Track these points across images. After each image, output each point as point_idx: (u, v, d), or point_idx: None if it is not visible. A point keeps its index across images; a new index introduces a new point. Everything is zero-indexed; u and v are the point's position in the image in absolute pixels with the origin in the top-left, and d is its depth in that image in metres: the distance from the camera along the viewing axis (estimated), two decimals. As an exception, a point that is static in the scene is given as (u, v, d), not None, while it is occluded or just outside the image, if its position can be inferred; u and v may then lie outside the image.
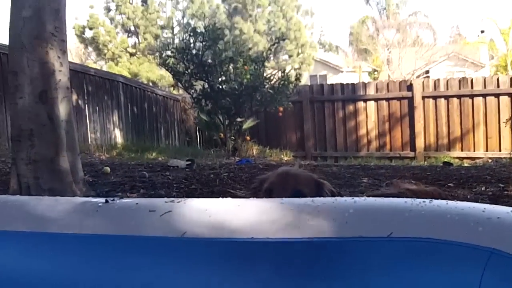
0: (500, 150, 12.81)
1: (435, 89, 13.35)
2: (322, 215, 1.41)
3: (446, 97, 13.22)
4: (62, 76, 4.46)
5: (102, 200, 1.71)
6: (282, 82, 11.49)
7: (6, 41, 4.66)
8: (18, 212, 1.75)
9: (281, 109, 12.07)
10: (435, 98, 13.32)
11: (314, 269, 1.36)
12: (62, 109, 4.49)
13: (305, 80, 29.50)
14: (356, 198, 1.50)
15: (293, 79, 11.88)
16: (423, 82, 13.79)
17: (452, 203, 1.40)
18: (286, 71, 12.15)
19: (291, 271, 1.38)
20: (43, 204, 1.82)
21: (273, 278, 1.40)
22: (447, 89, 13.23)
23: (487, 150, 12.95)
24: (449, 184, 5.61)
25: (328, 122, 14.22)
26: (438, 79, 13.85)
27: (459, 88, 13.11)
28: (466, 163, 11.28)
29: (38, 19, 4.31)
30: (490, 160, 11.86)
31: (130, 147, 11.36)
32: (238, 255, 1.44)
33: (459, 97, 13.10)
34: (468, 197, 4.79)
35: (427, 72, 33.75)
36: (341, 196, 2.24)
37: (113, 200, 1.71)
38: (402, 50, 33.04)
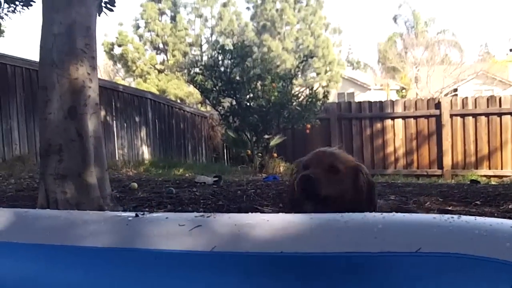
0: (528, 169, 12.64)
1: (463, 107, 13.22)
2: (351, 230, 1.41)
3: (474, 115, 13.08)
4: (91, 92, 4.51)
5: (132, 214, 1.73)
6: (309, 100, 11.47)
7: (36, 58, 4.74)
8: (50, 226, 1.77)
9: (308, 126, 12.05)
10: (463, 116, 13.19)
11: (343, 284, 1.35)
12: (91, 125, 4.53)
13: (332, 98, 29.44)
14: (385, 214, 1.50)
15: (320, 96, 11.84)
16: (451, 100, 13.67)
17: (481, 219, 1.39)
18: (314, 88, 12.12)
19: (321, 285, 1.37)
20: (74, 218, 1.84)
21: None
22: (475, 107, 13.09)
23: (515, 169, 12.80)
24: (476, 202, 5.53)
25: (355, 139, 14.16)
26: (466, 97, 13.71)
27: (487, 107, 12.97)
28: (493, 181, 11.12)
29: (69, 36, 4.38)
30: (517, 178, 11.68)
31: (157, 163, 11.44)
32: (267, 269, 1.44)
33: (487, 115, 12.96)
34: (495, 214, 4.72)
35: (455, 90, 33.48)
36: (374, 184, 2.30)
37: (143, 214, 1.72)
38: (431, 68, 32.86)
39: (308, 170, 2.24)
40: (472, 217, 1.40)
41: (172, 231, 1.58)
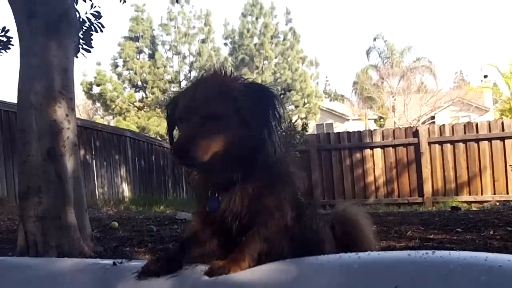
0: (507, 193, 12.75)
1: (440, 134, 13.37)
2: (327, 272, 1.41)
3: (452, 142, 13.23)
4: (70, 133, 4.51)
5: (110, 262, 1.71)
6: (288, 132, 11.53)
7: (14, 100, 4.73)
8: (27, 275, 1.75)
9: (288, 158, 12.05)
10: (441, 143, 13.33)
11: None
12: (70, 166, 4.52)
13: (311, 129, 29.63)
14: (360, 253, 1.50)
15: (299, 128, 11.91)
16: (428, 128, 13.81)
17: (455, 253, 1.40)
18: (293, 121, 12.19)
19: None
20: (51, 266, 1.82)
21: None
22: (453, 134, 13.25)
23: (494, 193, 12.89)
24: (457, 229, 5.57)
25: (335, 170, 14.21)
26: (444, 125, 13.87)
27: (465, 133, 13.13)
28: (474, 207, 11.22)
29: (46, 79, 4.39)
30: (497, 203, 11.78)
31: (138, 201, 11.36)
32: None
33: (464, 141, 13.11)
34: (477, 241, 4.75)
35: (433, 117, 33.94)
36: (274, 100, 1.90)
37: (121, 262, 1.71)
38: (407, 97, 33.29)
39: (181, 130, 1.86)
40: (447, 252, 1.41)
41: (149, 280, 1.57)
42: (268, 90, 1.93)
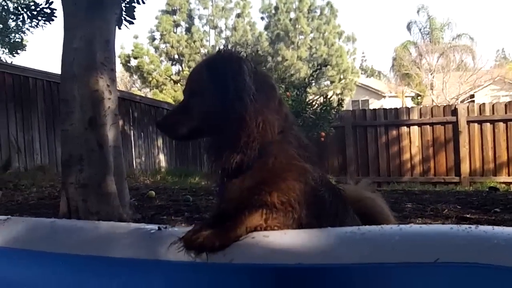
0: (548, 175, 12.49)
1: (480, 113, 13.10)
2: (368, 242, 1.43)
3: (492, 122, 12.96)
4: (110, 104, 4.58)
5: (155, 227, 1.76)
6: (324, 108, 11.44)
7: (56, 70, 4.83)
8: (74, 236, 1.82)
9: (323, 134, 11.99)
10: (480, 122, 13.07)
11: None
12: (111, 135, 4.60)
13: (347, 106, 29.41)
14: (402, 226, 1.51)
15: (335, 104, 11.81)
16: (467, 107, 13.55)
17: (499, 229, 1.40)
18: (328, 96, 12.10)
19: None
20: (98, 229, 1.88)
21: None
22: (493, 113, 12.96)
23: (535, 175, 12.65)
24: (495, 209, 5.49)
25: (370, 147, 14.12)
26: (484, 104, 13.58)
27: (506, 112, 12.84)
28: (513, 189, 11.03)
29: (89, 50, 4.46)
30: (538, 185, 11.55)
31: (174, 172, 11.50)
32: (286, 280, 1.46)
33: (505, 121, 12.83)
34: (516, 222, 4.70)
35: (472, 96, 33.29)
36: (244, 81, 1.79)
37: (165, 227, 1.75)
38: (446, 75, 32.69)
39: None
40: (490, 227, 1.41)
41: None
42: (233, 56, 1.88)
